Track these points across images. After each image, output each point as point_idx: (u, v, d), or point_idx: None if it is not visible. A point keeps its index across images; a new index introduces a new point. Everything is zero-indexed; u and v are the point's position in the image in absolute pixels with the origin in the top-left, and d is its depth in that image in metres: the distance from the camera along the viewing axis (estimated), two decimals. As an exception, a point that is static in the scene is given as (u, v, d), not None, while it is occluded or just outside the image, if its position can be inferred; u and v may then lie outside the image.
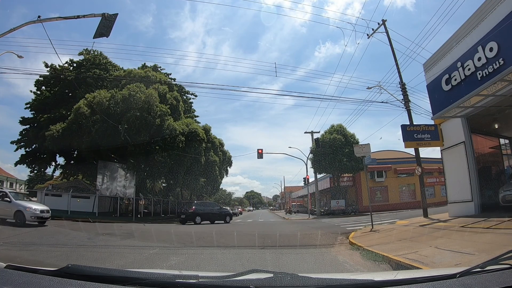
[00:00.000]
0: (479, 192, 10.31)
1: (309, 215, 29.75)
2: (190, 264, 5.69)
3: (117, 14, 9.98)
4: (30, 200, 15.84)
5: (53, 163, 29.88)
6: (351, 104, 79.81)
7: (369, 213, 11.75)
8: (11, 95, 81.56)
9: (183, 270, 4.52)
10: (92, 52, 29.44)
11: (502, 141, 13.29)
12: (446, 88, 9.33)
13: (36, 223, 13.02)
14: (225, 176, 38.26)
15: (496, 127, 12.34)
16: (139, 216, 24.28)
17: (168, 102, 25.65)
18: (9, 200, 13.12)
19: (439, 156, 13.01)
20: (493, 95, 8.88)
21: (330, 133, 29.81)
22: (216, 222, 19.85)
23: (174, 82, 31.56)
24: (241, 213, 47.74)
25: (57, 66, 27.70)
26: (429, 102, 11.08)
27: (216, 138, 33.33)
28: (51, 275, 1.39)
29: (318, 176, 31.79)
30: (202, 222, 19.43)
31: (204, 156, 27.94)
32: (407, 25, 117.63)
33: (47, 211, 13.71)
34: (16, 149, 27.80)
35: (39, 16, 10.46)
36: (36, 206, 13.39)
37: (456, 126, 11.09)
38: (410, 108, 14.47)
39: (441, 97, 9.67)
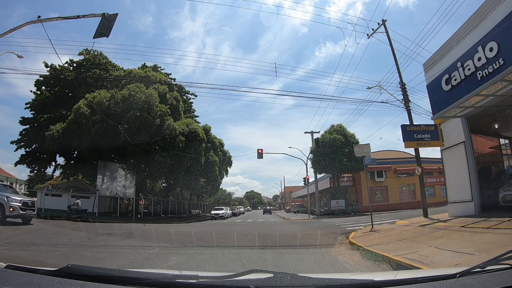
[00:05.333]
0: (479, 192, 10.31)
1: (309, 215, 29.73)
2: (190, 264, 5.68)
3: (117, 14, 9.99)
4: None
5: (53, 163, 29.94)
6: (351, 104, 79.76)
7: (369, 213, 11.75)
8: (11, 95, 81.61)
9: (183, 270, 4.53)
10: (92, 52, 29.48)
11: (502, 141, 13.29)
12: (446, 88, 9.33)
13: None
14: (225, 176, 38.33)
15: (496, 127, 12.35)
16: (139, 216, 24.29)
17: (168, 102, 25.66)
18: None
19: (439, 156, 13.01)
20: (493, 95, 8.88)
21: (330, 133, 29.80)
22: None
23: (174, 82, 31.62)
24: (238, 214, 45.63)
25: (57, 66, 27.74)
26: (429, 102, 11.08)
27: (216, 138, 33.35)
28: (51, 275, 1.39)
29: (318, 176, 31.78)
30: None
31: (204, 156, 27.93)
32: (409, 25, 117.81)
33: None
34: (16, 149, 27.88)
35: (39, 16, 10.47)
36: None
37: (456, 126, 11.09)
38: (410, 108, 14.47)
39: (441, 97, 9.67)
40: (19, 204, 11.50)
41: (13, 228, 10.93)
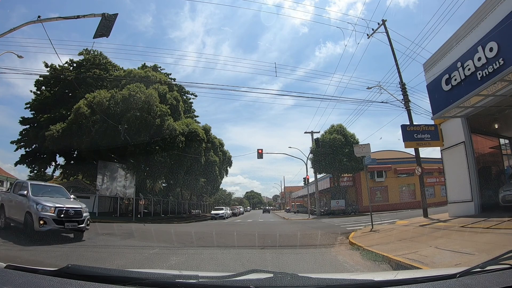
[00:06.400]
0: (479, 192, 10.30)
1: (309, 215, 29.74)
2: (190, 264, 5.69)
3: (117, 14, 9.98)
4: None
5: (53, 163, 29.93)
6: (351, 104, 79.80)
7: (369, 213, 11.75)
8: (11, 95, 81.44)
9: (183, 270, 4.52)
10: (92, 52, 29.46)
11: (502, 141, 13.28)
12: (446, 88, 9.33)
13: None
14: (225, 176, 38.32)
15: (496, 127, 12.34)
16: (139, 216, 24.29)
17: (168, 102, 25.66)
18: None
19: (439, 156, 13.01)
20: (493, 95, 8.87)
21: (330, 133, 29.80)
22: None
23: (174, 82, 31.60)
24: (238, 214, 44.24)
25: (57, 66, 27.73)
26: (429, 102, 11.08)
27: (216, 138, 33.35)
28: (51, 275, 1.39)
29: (318, 176, 31.78)
30: None
31: (204, 156, 27.93)
32: (409, 24, 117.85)
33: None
34: (16, 149, 27.88)
35: (39, 16, 10.46)
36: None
37: (456, 126, 11.09)
38: (410, 108, 14.47)
39: (441, 97, 9.66)
40: (53, 215, 8.06)
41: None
